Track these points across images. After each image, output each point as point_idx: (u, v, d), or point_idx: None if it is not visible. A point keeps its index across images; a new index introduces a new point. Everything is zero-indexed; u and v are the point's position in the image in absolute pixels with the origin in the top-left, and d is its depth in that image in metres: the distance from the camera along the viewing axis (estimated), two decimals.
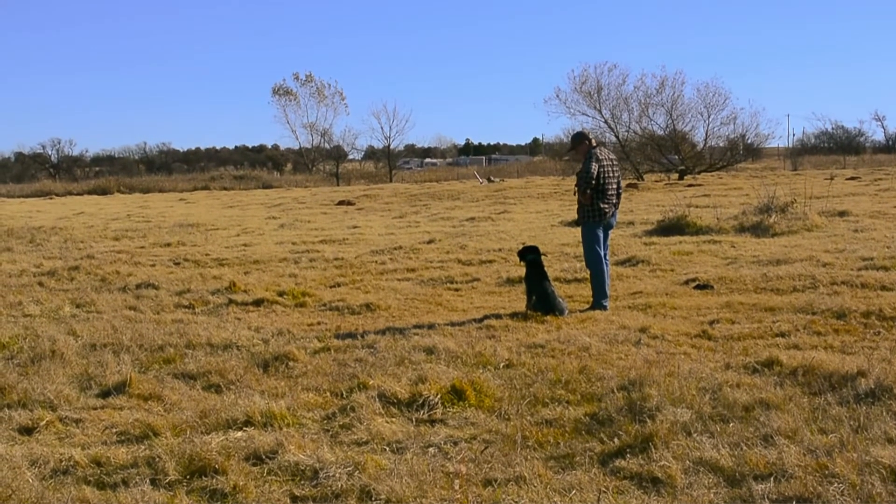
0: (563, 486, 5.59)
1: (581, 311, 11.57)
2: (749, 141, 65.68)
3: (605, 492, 5.48)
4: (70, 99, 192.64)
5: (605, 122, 62.73)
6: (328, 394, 7.88)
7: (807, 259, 14.91)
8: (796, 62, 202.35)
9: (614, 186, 11.87)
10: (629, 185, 42.12)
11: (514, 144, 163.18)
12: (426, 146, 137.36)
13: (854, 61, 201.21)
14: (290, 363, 9.01)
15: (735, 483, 5.51)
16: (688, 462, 5.84)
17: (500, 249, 18.42)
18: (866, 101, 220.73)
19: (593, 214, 11.72)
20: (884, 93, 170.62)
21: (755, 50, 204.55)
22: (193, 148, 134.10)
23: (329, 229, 26.16)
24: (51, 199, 61.05)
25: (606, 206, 11.73)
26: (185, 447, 6.31)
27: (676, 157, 61.41)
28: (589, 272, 11.98)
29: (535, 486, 5.57)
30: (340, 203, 40.39)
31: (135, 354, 9.67)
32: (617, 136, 62.04)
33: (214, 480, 5.80)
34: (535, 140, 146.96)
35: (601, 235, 11.86)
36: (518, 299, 12.31)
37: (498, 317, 11.24)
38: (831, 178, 41.10)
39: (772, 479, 5.48)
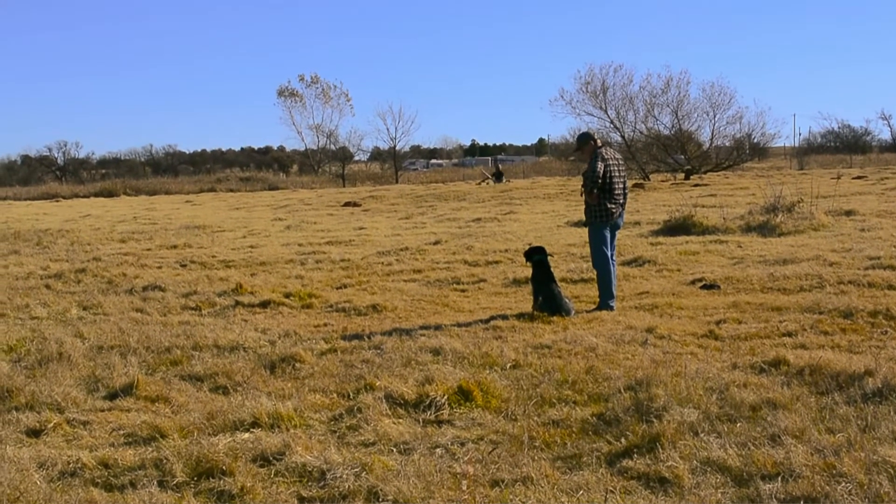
0: (570, 486, 5.59)
1: (588, 312, 11.56)
2: (755, 140, 65.66)
3: (612, 492, 5.48)
4: (76, 101, 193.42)
5: (611, 122, 62.75)
6: (335, 395, 7.88)
7: (813, 258, 14.88)
8: (802, 62, 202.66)
9: (621, 186, 11.87)
10: (635, 185, 42.06)
11: (520, 145, 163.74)
12: (432, 147, 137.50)
13: (860, 60, 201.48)
14: (297, 364, 9.01)
15: (743, 483, 5.51)
16: (695, 462, 5.83)
17: (506, 250, 18.40)
18: (872, 101, 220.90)
19: (600, 215, 11.72)
20: (890, 92, 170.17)
21: (760, 50, 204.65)
22: (199, 150, 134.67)
23: (335, 231, 26.16)
24: (57, 201, 61.13)
25: (613, 206, 11.73)
26: (192, 449, 6.32)
27: (682, 156, 61.35)
28: (595, 272, 11.96)
29: (542, 487, 5.57)
30: (346, 204, 40.38)
31: (142, 356, 9.67)
32: (623, 136, 61.99)
33: (222, 482, 5.81)
34: (541, 140, 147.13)
35: (608, 236, 11.86)
36: (524, 300, 12.30)
37: (504, 317, 11.23)
38: (838, 178, 41.09)
39: (779, 478, 5.48)
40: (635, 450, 6.11)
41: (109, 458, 6.32)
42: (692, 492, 5.42)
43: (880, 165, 63.54)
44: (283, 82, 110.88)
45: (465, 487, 5.42)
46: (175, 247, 22.32)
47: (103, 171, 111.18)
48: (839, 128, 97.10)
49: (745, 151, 64.72)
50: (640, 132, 63.51)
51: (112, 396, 8.14)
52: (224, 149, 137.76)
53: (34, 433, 7.14)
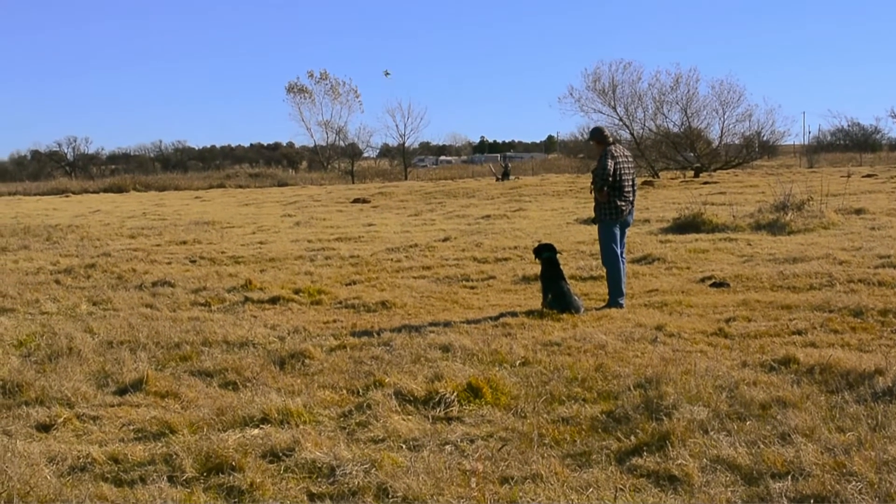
0: (579, 483, 5.59)
1: (597, 309, 11.55)
2: (765, 138, 65.65)
3: (621, 490, 5.47)
4: (85, 97, 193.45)
5: (620, 119, 62.83)
6: (344, 391, 7.88)
7: (823, 257, 14.86)
8: (811, 59, 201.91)
9: (630, 184, 11.86)
10: (645, 183, 42.09)
11: (529, 142, 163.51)
12: (441, 144, 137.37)
13: (869, 58, 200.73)
14: (307, 361, 9.01)
15: (752, 481, 5.49)
16: (705, 460, 5.82)
17: (515, 247, 18.41)
18: (882, 99, 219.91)
19: (610, 212, 11.71)
20: None
21: (769, 48, 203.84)
22: (209, 146, 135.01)
23: (344, 227, 26.20)
24: (67, 196, 61.42)
25: (623, 203, 11.72)
26: (202, 444, 6.32)
27: (692, 154, 61.34)
28: (605, 270, 11.95)
29: (551, 484, 5.57)
30: (356, 201, 40.45)
31: (151, 352, 9.68)
32: (632, 134, 62.03)
33: (231, 478, 5.81)
34: (550, 138, 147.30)
35: (618, 233, 11.85)
36: (534, 297, 12.30)
37: (514, 314, 11.23)
38: (848, 176, 41.07)
39: (789, 477, 5.46)
40: (645, 447, 6.10)
41: (119, 453, 6.33)
42: (702, 490, 5.41)
43: (890, 164, 63.52)
44: (292, 78, 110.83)
45: (474, 484, 5.42)
46: (184, 243, 22.39)
47: (113, 166, 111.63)
48: (849, 126, 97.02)
49: (755, 149, 64.70)
50: (650, 129, 63.62)
51: (122, 392, 8.15)
52: (233, 145, 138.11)
53: (44, 428, 7.14)
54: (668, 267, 15.12)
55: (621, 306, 11.64)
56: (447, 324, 10.69)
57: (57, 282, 15.54)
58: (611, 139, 12.06)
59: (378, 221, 28.04)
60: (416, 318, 11.37)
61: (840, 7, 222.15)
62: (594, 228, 12.38)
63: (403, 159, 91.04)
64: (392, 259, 17.51)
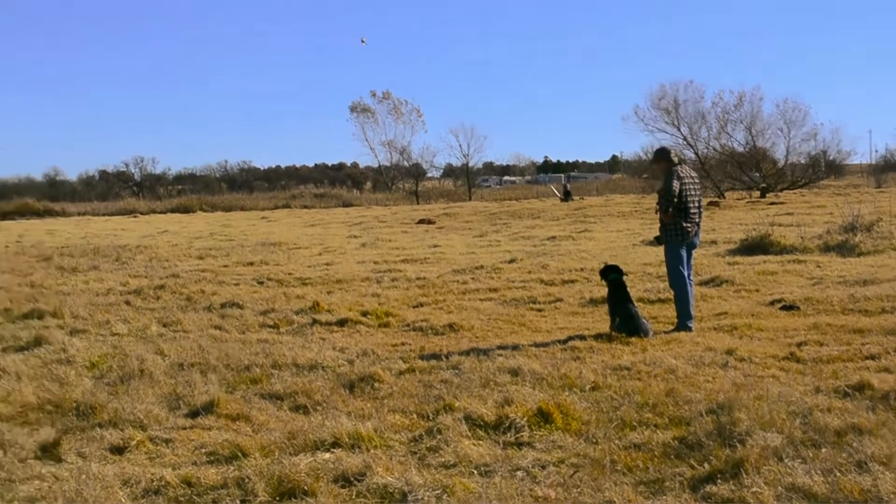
0: None
1: (666, 333, 11.47)
2: (830, 158, 64.87)
3: None
4: (152, 117, 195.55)
5: (684, 138, 62.31)
6: (414, 415, 7.90)
7: (895, 279, 14.63)
8: (877, 77, 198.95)
9: (696, 205, 11.77)
10: (710, 203, 41.73)
11: (593, 162, 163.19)
12: (504, 164, 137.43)
13: None
14: (376, 384, 9.04)
15: None
16: (780, 488, 5.75)
17: (581, 269, 18.32)
18: None
19: (676, 234, 11.63)
20: None
21: (833, 66, 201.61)
22: (274, 166, 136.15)
23: (410, 248, 26.28)
24: (135, 217, 62.25)
25: (689, 224, 11.64)
26: (273, 468, 6.36)
27: (757, 174, 60.75)
28: (673, 292, 11.87)
29: None
30: (421, 221, 40.55)
31: (222, 374, 9.78)
32: (696, 153, 61.55)
33: (304, 502, 5.84)
34: (614, 157, 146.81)
35: (684, 255, 11.76)
36: (602, 320, 12.23)
37: (582, 338, 11.19)
38: None
39: None
40: (718, 475, 6.04)
41: (192, 476, 6.39)
42: None
43: None
44: (355, 98, 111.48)
45: None
46: (251, 264, 22.58)
47: (179, 186, 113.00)
48: None
49: (821, 169, 64.01)
50: (714, 149, 63.06)
51: (193, 414, 8.23)
52: (298, 165, 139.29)
53: (118, 450, 7.24)
54: (737, 289, 14.98)
55: (690, 329, 11.54)
56: (515, 347, 10.66)
57: (127, 303, 15.74)
58: (676, 159, 12.00)
59: (443, 242, 28.10)
60: (483, 342, 11.36)
61: None
62: (661, 250, 12.29)
63: (468, 179, 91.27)
64: (458, 281, 17.52)
